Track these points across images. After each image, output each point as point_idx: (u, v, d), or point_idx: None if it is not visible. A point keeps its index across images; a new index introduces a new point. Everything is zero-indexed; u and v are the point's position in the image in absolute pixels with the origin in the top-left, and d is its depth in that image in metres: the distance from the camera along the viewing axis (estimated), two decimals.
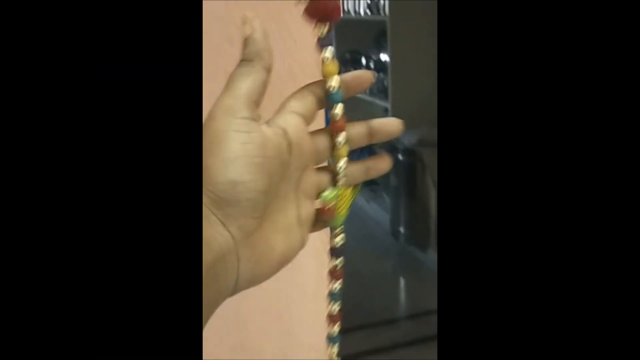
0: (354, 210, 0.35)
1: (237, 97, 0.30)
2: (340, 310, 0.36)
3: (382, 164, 0.36)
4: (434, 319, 2.12)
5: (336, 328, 0.36)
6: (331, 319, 0.36)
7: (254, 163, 0.29)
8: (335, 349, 0.36)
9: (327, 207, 0.34)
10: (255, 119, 0.30)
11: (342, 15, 0.33)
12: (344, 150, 0.34)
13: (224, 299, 0.29)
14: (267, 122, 0.31)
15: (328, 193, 0.34)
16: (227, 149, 0.29)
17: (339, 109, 0.33)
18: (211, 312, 0.28)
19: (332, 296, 0.36)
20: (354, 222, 2.92)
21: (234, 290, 0.30)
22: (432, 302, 2.22)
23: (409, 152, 2.55)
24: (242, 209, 0.29)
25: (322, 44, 0.32)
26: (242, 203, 0.29)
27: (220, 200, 0.28)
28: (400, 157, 2.59)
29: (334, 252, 0.36)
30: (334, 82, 0.32)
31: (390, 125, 0.35)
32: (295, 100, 0.33)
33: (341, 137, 0.33)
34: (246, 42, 0.31)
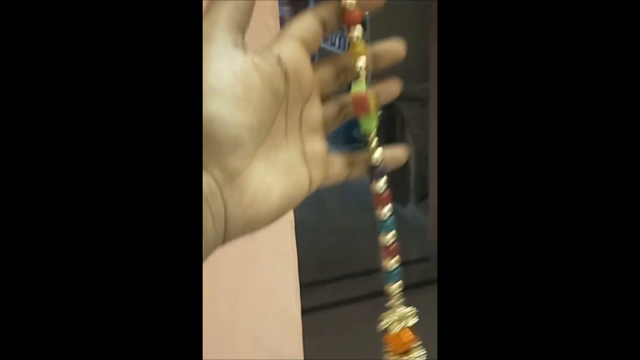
0: None
1: (215, 22, 0.26)
2: (395, 240, 0.32)
3: (392, 87, 0.32)
4: (411, 269, 2.33)
5: (393, 261, 0.32)
6: (387, 251, 0.32)
7: (233, 95, 0.25)
8: (392, 285, 0.32)
9: (359, 96, 0.30)
10: (238, 44, 0.26)
11: None
12: (361, 47, 0.30)
13: (213, 246, 0.27)
14: (259, 50, 0.28)
15: (356, 85, 0.30)
16: (205, 81, 0.25)
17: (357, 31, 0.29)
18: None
19: (383, 225, 0.31)
20: None
21: (226, 237, 0.27)
22: (409, 254, 2.41)
23: (389, 107, 2.56)
24: (223, 148, 0.25)
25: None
26: (221, 141, 0.25)
27: None
28: (380, 112, 2.58)
29: (374, 172, 0.31)
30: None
31: (393, 48, 0.31)
32: (295, 24, 0.29)
33: (357, 32, 0.29)
34: None
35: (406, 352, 0.31)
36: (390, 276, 0.32)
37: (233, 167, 0.26)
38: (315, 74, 0.30)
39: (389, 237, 0.31)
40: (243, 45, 0.27)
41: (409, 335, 0.31)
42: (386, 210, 0.31)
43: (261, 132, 0.27)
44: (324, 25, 0.30)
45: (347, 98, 0.31)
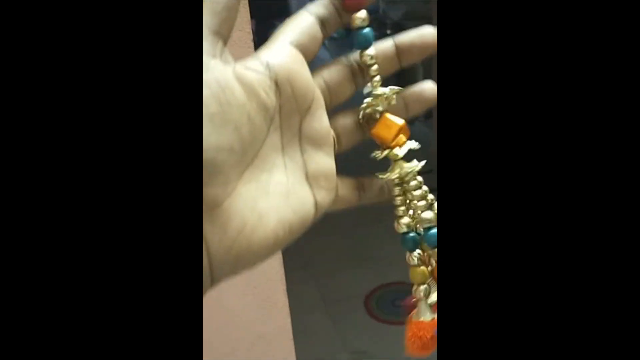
0: None
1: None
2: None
3: (426, 94, 0.28)
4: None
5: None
6: None
7: (207, 114, 0.22)
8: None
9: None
10: (216, 54, 0.23)
11: None
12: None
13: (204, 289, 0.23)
14: (245, 60, 0.25)
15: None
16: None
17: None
18: None
19: None
20: None
21: (214, 278, 0.23)
22: None
23: (397, 26, 2.62)
24: None
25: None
26: None
27: None
28: (388, 32, 2.67)
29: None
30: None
31: (423, 37, 0.27)
32: (288, 26, 0.26)
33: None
34: None
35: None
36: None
37: (210, 197, 0.22)
38: (318, 80, 0.26)
39: None
40: (222, 56, 0.23)
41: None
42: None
43: (247, 153, 0.24)
44: (324, 24, 0.26)
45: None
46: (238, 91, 0.23)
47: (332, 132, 0.27)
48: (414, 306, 0.28)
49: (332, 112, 0.27)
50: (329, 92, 0.27)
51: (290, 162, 0.26)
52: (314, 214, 0.26)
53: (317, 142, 0.26)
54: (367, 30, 0.26)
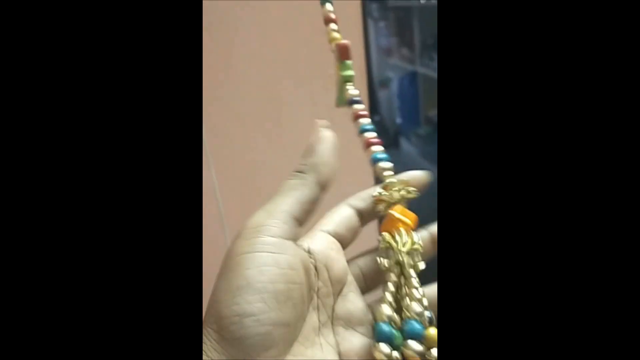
0: None
1: (273, 213, 0.26)
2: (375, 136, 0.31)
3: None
4: None
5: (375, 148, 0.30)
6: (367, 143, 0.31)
7: (274, 290, 0.24)
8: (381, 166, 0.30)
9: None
10: (292, 239, 0.26)
11: None
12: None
13: None
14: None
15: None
16: (240, 274, 0.24)
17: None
18: None
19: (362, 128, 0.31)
20: None
21: None
22: None
23: None
24: (249, 348, 0.23)
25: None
26: (248, 340, 0.23)
27: (221, 339, 0.23)
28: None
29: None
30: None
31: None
32: (328, 217, 0.29)
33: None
34: (306, 151, 0.28)
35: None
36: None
37: None
38: (353, 267, 0.29)
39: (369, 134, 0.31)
40: (296, 238, 0.26)
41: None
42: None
43: (297, 328, 0.25)
44: (361, 215, 0.29)
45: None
46: (301, 272, 0.25)
47: (368, 313, 0.28)
48: None
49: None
50: (364, 279, 0.29)
51: (324, 341, 0.27)
52: None
53: (350, 323, 0.28)
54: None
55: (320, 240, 0.28)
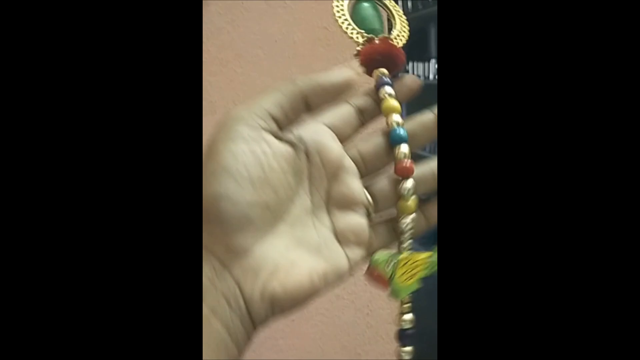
0: None
1: (252, 107, 0.27)
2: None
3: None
4: None
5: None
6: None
7: (249, 176, 0.25)
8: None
9: (375, 273, 0.28)
10: (269, 130, 0.27)
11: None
12: (412, 203, 0.28)
13: (242, 332, 0.25)
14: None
15: (379, 256, 0.28)
16: (215, 160, 0.25)
17: (404, 149, 0.28)
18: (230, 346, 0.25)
19: None
20: None
21: (254, 319, 0.26)
22: None
23: None
24: (228, 227, 0.25)
25: (380, 82, 0.29)
26: (226, 221, 0.25)
27: (205, 222, 0.25)
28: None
29: (401, 336, 0.29)
30: (395, 118, 0.29)
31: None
32: (327, 111, 0.29)
33: (408, 184, 0.28)
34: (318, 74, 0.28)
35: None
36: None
37: (239, 245, 0.25)
38: (353, 151, 0.30)
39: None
40: (275, 133, 0.27)
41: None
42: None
43: (281, 209, 0.27)
44: (362, 112, 0.30)
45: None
46: (281, 160, 0.27)
47: (365, 195, 0.29)
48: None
49: (371, 177, 0.30)
50: (363, 162, 0.30)
51: (319, 222, 0.28)
52: (349, 267, 0.28)
53: (345, 204, 0.29)
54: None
55: (313, 128, 0.29)
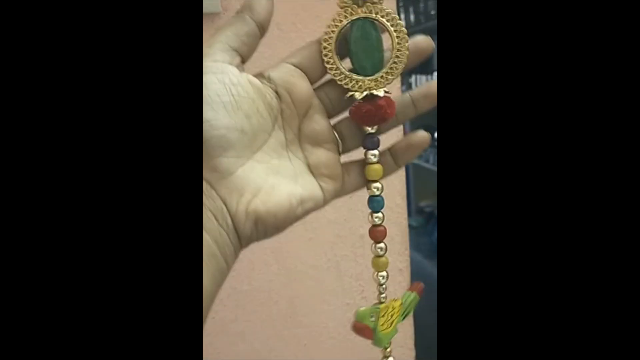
0: None
1: (212, 44, 0.28)
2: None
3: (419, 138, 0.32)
4: None
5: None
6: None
7: (221, 102, 0.27)
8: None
9: (360, 325, 0.30)
10: (232, 63, 0.29)
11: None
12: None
13: (230, 246, 0.28)
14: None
15: (363, 310, 0.30)
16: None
17: (380, 215, 0.31)
18: (216, 257, 0.27)
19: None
20: None
21: (241, 236, 0.28)
22: None
23: None
24: (211, 149, 0.27)
25: (366, 145, 0.31)
26: (208, 142, 0.27)
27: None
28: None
29: None
30: (377, 185, 0.31)
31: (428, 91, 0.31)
32: (293, 53, 0.31)
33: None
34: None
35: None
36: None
37: (224, 166, 0.28)
38: (320, 93, 0.31)
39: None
40: (239, 66, 0.29)
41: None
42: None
43: (257, 138, 0.29)
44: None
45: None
46: (248, 89, 0.28)
47: (333, 132, 0.31)
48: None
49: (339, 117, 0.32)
50: (330, 104, 0.31)
51: (293, 156, 0.31)
52: (324, 198, 0.31)
53: (316, 140, 0.31)
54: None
55: (282, 69, 0.30)
